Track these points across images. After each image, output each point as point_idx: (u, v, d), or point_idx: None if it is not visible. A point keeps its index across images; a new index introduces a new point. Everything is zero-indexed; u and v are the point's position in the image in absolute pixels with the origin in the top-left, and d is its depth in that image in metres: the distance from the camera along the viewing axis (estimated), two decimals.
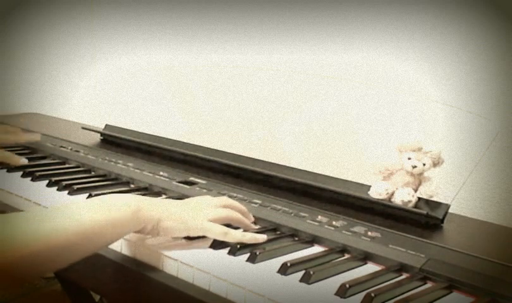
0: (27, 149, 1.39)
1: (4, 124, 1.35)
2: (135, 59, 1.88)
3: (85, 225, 0.76)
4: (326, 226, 0.92)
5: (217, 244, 0.86)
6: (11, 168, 1.22)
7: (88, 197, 1.04)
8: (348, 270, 0.81)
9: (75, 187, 1.10)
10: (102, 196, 0.84)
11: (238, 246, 0.84)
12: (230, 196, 1.05)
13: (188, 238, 0.89)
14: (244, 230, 0.91)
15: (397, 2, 1.30)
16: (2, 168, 1.21)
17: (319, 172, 1.10)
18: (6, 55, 2.40)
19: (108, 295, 0.97)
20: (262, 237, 0.88)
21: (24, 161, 1.17)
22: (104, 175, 1.23)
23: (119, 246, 0.88)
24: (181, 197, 1.08)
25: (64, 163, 1.32)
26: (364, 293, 0.72)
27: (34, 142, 1.36)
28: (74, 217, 0.76)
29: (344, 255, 0.87)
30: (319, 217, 0.96)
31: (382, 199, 1.00)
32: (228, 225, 0.89)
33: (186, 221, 0.85)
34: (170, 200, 0.92)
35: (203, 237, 0.88)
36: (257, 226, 0.96)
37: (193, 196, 1.06)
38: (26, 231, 0.71)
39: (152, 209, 0.84)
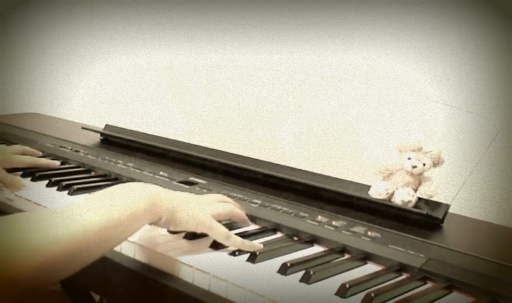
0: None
1: (22, 146, 1.29)
2: (135, 59, 1.88)
3: (103, 223, 0.74)
4: (326, 226, 0.92)
5: (217, 244, 0.86)
6: (11, 169, 1.21)
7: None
8: (348, 270, 0.81)
9: (75, 187, 1.10)
10: (118, 186, 0.81)
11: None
12: (230, 196, 1.05)
13: (188, 238, 0.89)
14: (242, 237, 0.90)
15: (397, 2, 1.30)
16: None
17: (319, 172, 1.10)
18: (6, 55, 2.40)
19: (108, 295, 0.97)
20: (259, 246, 0.87)
21: (25, 188, 1.13)
22: (104, 175, 1.23)
23: (119, 247, 0.88)
24: None
25: (64, 163, 1.31)
26: (364, 293, 0.72)
27: (52, 167, 1.28)
28: (92, 216, 0.74)
29: (344, 255, 0.87)
30: (319, 217, 0.96)
31: (382, 199, 1.00)
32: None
33: (197, 215, 0.85)
34: (181, 193, 0.91)
35: (202, 236, 0.88)
36: (256, 226, 0.96)
37: None
38: (44, 236, 0.68)
39: (167, 201, 0.84)
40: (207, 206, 0.88)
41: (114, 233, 0.76)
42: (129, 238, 0.86)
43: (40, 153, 1.31)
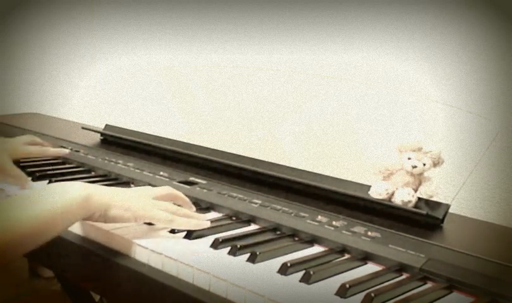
0: None
1: (31, 136, 1.29)
2: (135, 59, 1.88)
3: (36, 217, 0.77)
4: (326, 226, 0.92)
5: (217, 244, 0.86)
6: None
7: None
8: (348, 270, 0.81)
9: None
10: (52, 184, 0.85)
11: (238, 246, 0.84)
12: (230, 196, 1.05)
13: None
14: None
15: (397, 2, 1.30)
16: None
17: (319, 172, 1.10)
18: (6, 55, 2.40)
19: (108, 295, 0.97)
20: (206, 223, 0.91)
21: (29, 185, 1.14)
22: (104, 175, 1.23)
23: (119, 247, 0.88)
24: None
25: (64, 163, 1.31)
26: (364, 293, 0.72)
27: (63, 156, 1.30)
28: (25, 210, 0.77)
29: (344, 255, 0.87)
30: (319, 217, 0.96)
31: (382, 199, 1.00)
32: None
33: (132, 208, 0.88)
34: (118, 188, 0.93)
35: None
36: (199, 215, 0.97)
37: (193, 196, 1.06)
38: None
39: (100, 197, 0.86)
40: (148, 197, 0.91)
41: (46, 227, 0.79)
42: (131, 238, 0.87)
43: (48, 143, 1.31)
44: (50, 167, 1.26)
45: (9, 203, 0.79)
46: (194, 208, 0.98)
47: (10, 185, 1.11)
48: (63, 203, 0.81)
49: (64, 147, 1.39)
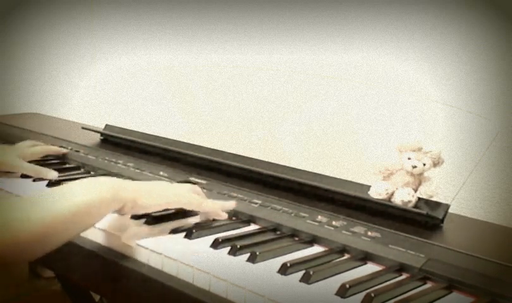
0: None
1: (31, 140, 1.37)
2: (135, 59, 1.88)
3: (66, 210, 0.77)
4: (326, 226, 0.92)
5: (217, 244, 0.86)
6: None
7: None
8: (348, 270, 0.81)
9: None
10: (80, 180, 0.85)
11: (238, 246, 0.84)
12: (230, 196, 1.05)
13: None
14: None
15: (397, 2, 1.30)
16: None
17: (319, 172, 1.10)
18: (6, 55, 2.40)
19: (108, 295, 0.97)
20: (230, 204, 0.97)
21: (54, 174, 1.18)
22: (104, 175, 1.23)
23: (120, 248, 0.88)
24: None
25: (64, 163, 1.32)
26: (364, 293, 0.72)
27: (60, 155, 1.36)
28: (55, 204, 0.77)
29: (344, 255, 0.87)
30: (319, 217, 0.96)
31: (382, 199, 1.00)
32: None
33: (163, 194, 0.90)
34: (143, 181, 0.96)
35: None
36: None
37: None
38: (14, 219, 0.73)
39: (128, 188, 0.86)
40: (176, 186, 0.95)
41: (75, 221, 0.79)
42: (135, 240, 0.87)
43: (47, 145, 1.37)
44: (50, 167, 1.26)
45: (32, 200, 0.79)
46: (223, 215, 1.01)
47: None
48: (89, 199, 0.81)
49: (64, 147, 1.39)
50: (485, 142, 0.97)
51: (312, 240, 0.91)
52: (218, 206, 0.97)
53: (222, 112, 1.31)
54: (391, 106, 1.08)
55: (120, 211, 0.87)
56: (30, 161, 1.24)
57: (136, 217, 0.95)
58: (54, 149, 1.35)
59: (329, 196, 1.06)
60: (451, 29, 1.23)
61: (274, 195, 1.06)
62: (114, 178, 0.90)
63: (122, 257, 0.87)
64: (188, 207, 0.94)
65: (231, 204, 0.98)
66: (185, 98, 1.40)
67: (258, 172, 1.17)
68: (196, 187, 1.00)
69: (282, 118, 1.21)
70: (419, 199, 0.99)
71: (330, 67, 1.41)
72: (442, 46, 1.24)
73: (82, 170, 1.27)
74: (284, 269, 0.78)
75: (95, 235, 0.92)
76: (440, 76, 1.25)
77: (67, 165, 1.31)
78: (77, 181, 0.84)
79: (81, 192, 0.81)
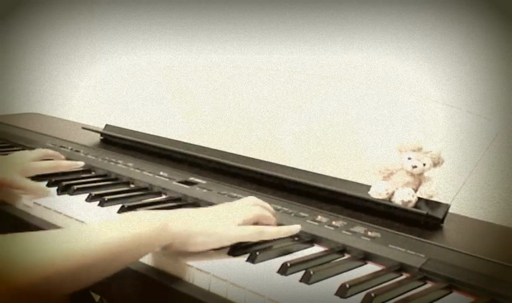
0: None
1: (43, 150, 1.22)
2: (135, 59, 1.88)
3: (111, 243, 0.74)
4: (326, 226, 0.92)
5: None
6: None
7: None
8: (348, 270, 0.81)
9: (75, 187, 1.09)
10: (127, 213, 0.83)
11: (238, 246, 0.84)
12: (230, 196, 1.05)
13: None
14: None
15: (397, 2, 1.30)
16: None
17: (319, 172, 1.10)
18: (6, 55, 2.40)
19: (108, 295, 0.97)
20: (296, 228, 0.88)
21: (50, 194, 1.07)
22: (104, 175, 1.23)
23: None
24: (181, 197, 1.08)
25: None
26: (364, 293, 0.72)
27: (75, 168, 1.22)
28: (100, 236, 0.74)
29: (344, 255, 0.87)
30: (319, 217, 0.96)
31: (382, 199, 1.00)
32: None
33: (217, 232, 0.82)
34: (197, 210, 0.87)
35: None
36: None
37: (193, 196, 1.06)
38: (53, 251, 0.70)
39: (179, 223, 0.80)
40: (232, 217, 0.85)
41: (119, 255, 0.75)
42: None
43: (63, 156, 1.25)
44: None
45: (83, 229, 0.77)
46: (274, 213, 0.94)
47: (30, 199, 1.05)
48: (139, 231, 0.77)
49: (64, 147, 1.39)
50: (485, 142, 0.97)
51: (312, 240, 0.91)
52: (282, 234, 0.87)
53: (222, 112, 1.31)
54: (391, 106, 1.08)
55: (168, 248, 0.81)
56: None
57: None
58: (66, 165, 1.20)
59: (329, 196, 1.06)
60: (451, 29, 1.23)
61: (274, 195, 1.06)
62: (165, 212, 0.82)
63: None
64: (246, 240, 0.85)
65: (296, 228, 0.89)
66: (185, 98, 1.40)
67: (258, 172, 1.17)
68: (260, 201, 0.92)
69: (282, 118, 1.21)
70: (419, 199, 0.99)
71: (330, 67, 1.41)
72: (442, 46, 1.24)
73: (88, 174, 1.27)
74: (284, 269, 0.78)
75: None
76: (440, 76, 1.25)
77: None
78: (125, 214, 0.81)
79: (127, 226, 0.76)
